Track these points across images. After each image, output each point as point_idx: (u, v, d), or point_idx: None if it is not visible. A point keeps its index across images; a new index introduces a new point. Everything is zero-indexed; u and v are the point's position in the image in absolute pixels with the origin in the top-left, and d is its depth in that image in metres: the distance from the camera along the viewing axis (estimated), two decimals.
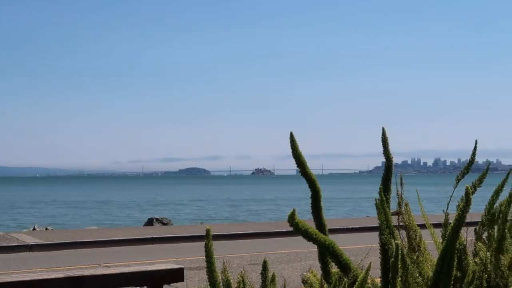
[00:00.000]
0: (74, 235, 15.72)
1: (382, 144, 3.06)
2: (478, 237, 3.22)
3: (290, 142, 2.88)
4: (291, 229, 2.71)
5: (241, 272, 3.23)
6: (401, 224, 3.20)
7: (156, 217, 21.80)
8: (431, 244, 3.26)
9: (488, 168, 3.36)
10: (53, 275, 3.09)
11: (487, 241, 3.18)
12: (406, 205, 3.22)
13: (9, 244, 13.47)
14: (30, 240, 14.17)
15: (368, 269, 2.66)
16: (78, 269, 9.83)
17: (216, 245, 3.08)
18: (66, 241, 14.06)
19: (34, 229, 20.49)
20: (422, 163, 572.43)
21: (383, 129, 3.03)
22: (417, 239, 3.13)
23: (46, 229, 20.80)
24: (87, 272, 3.19)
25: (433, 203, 44.73)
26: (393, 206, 3.16)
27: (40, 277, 3.02)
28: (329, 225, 3.11)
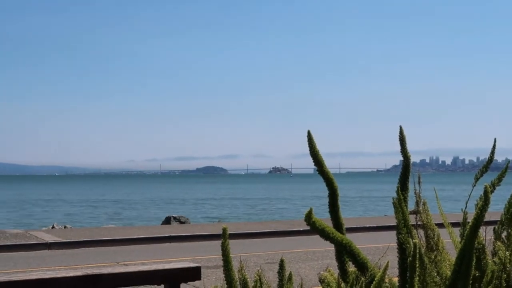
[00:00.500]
0: (92, 233, 15.82)
1: (400, 143, 3.04)
2: (497, 236, 3.19)
3: (308, 141, 2.87)
4: (308, 227, 2.70)
5: (258, 271, 3.23)
6: (419, 223, 3.18)
7: (174, 215, 21.86)
8: (449, 243, 3.24)
9: (507, 167, 3.32)
10: (71, 273, 3.11)
11: (506, 241, 3.15)
12: (424, 204, 3.20)
13: (28, 242, 13.59)
14: (49, 238, 14.28)
15: (385, 269, 2.65)
16: (96, 267, 9.86)
17: (233, 243, 3.09)
18: (84, 239, 14.15)
19: (53, 227, 20.65)
20: (440, 162, 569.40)
21: (400, 127, 3.02)
22: (435, 238, 3.11)
23: (65, 227, 20.96)
24: (104, 270, 3.20)
25: (451, 202, 44.44)
26: (411, 205, 3.14)
27: (59, 275, 3.04)
28: (346, 224, 3.09)
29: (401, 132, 3.02)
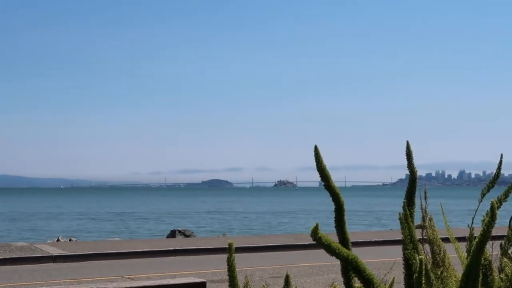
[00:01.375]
0: (97, 246, 15.81)
1: (407, 158, 3.03)
2: (504, 252, 3.17)
3: (315, 156, 2.87)
4: (313, 242, 2.69)
5: (263, 286, 3.22)
6: (425, 238, 3.17)
7: (179, 229, 21.85)
8: (456, 258, 3.23)
9: None
10: None
11: None
12: (430, 219, 3.19)
13: (34, 255, 13.59)
14: (54, 251, 14.28)
15: (391, 284, 2.64)
16: (101, 281, 9.85)
17: (238, 257, 3.08)
18: (89, 253, 14.14)
19: (58, 240, 20.65)
20: (446, 176, 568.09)
21: (407, 143, 3.01)
22: (441, 254, 3.09)
23: (70, 240, 20.96)
24: (110, 285, 3.20)
25: (458, 216, 44.29)
26: (417, 218, 3.13)
27: None
28: (352, 238, 3.08)
29: (408, 147, 3.02)
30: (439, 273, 3.01)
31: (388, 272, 3.23)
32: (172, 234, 21.10)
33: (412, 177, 3.04)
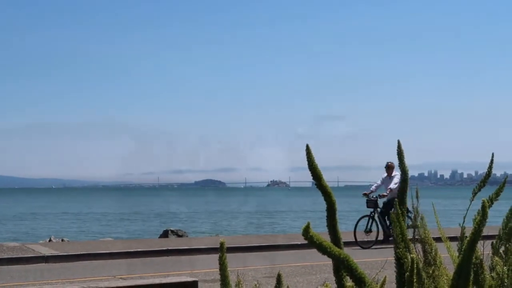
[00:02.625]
0: (90, 246, 15.77)
1: (398, 157, 3.04)
2: (495, 251, 3.19)
3: (306, 155, 2.86)
4: (306, 241, 2.69)
5: (256, 285, 3.22)
6: (416, 237, 3.18)
7: (172, 229, 21.79)
8: (447, 258, 3.24)
9: (505, 181, 3.32)
10: (68, 287, 3.10)
11: (504, 256, 3.14)
12: (422, 218, 3.20)
13: (25, 255, 13.53)
14: (46, 251, 14.23)
15: (383, 283, 2.65)
16: (93, 281, 9.83)
17: (230, 257, 3.08)
18: (82, 253, 14.10)
19: (50, 240, 20.57)
20: (439, 176, 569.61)
21: (398, 142, 3.02)
22: (433, 253, 3.10)
23: (62, 240, 20.87)
24: (101, 285, 3.19)
25: (449, 216, 44.38)
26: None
27: None
28: (344, 238, 3.09)
29: (399, 147, 3.03)
30: (430, 272, 3.01)
31: (380, 271, 3.24)
32: (165, 234, 21.05)
33: (404, 176, 3.05)
